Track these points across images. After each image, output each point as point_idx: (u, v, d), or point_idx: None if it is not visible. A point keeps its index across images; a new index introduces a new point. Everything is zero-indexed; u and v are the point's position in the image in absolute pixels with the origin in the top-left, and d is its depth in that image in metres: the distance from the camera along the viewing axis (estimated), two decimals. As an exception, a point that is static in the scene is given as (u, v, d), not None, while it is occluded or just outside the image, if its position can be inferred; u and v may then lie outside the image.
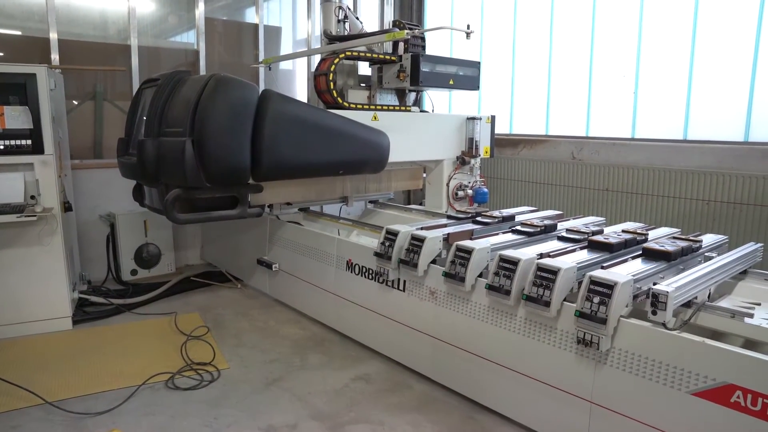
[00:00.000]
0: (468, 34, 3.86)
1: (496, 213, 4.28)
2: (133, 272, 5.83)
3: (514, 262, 3.10)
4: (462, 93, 7.22)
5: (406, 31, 3.79)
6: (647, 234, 3.68)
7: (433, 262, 3.66)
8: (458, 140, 4.94)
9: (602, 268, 3.00)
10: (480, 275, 3.36)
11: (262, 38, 6.95)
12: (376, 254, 3.86)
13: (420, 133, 4.71)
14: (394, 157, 4.48)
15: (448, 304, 3.52)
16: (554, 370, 2.97)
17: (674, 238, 3.58)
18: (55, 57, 5.52)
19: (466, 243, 3.41)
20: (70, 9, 5.73)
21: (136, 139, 4.05)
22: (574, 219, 4.48)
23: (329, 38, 4.64)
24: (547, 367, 3.01)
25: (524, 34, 6.94)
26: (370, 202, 5.95)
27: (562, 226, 4.05)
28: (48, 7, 5.49)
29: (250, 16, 7.22)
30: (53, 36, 5.53)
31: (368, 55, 4.47)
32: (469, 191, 4.91)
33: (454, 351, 3.49)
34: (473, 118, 4.85)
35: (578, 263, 3.04)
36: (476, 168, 5.00)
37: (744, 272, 3.55)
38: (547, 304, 2.88)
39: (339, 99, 4.25)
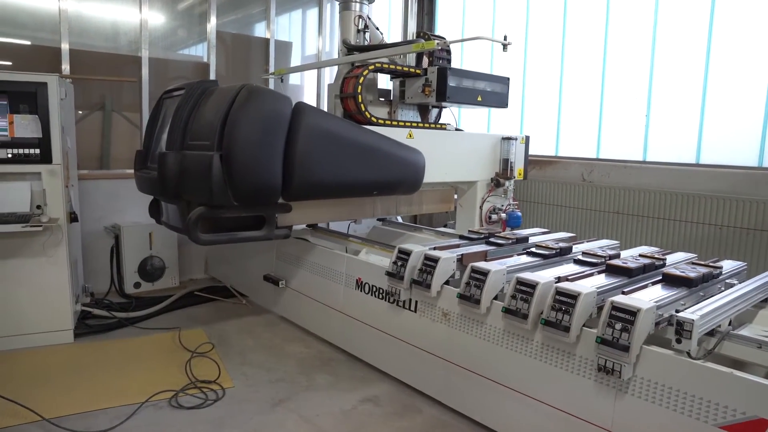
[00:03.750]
0: (505, 46, 3.69)
1: (509, 234, 4.20)
2: (137, 285, 5.75)
3: (532, 286, 3.03)
4: (471, 111, 7.21)
5: (435, 41, 3.65)
6: (665, 259, 3.60)
7: (447, 283, 3.58)
8: (492, 161, 4.74)
9: (623, 293, 2.91)
10: (495, 297, 3.28)
11: (273, 52, 6.94)
12: (388, 273, 3.78)
13: (454, 152, 4.49)
14: (428, 177, 4.26)
15: (462, 327, 3.43)
16: (572, 397, 2.87)
17: (693, 263, 3.50)
18: (65, 67, 5.49)
19: (482, 264, 3.34)
20: (82, 19, 5.72)
21: (156, 152, 3.96)
22: (588, 242, 4.40)
23: (349, 48, 4.47)
24: (564, 394, 2.91)
25: (535, 54, 6.93)
26: (378, 219, 5.87)
27: (576, 249, 3.98)
28: (61, 17, 5.48)
29: (260, 30, 7.22)
30: (65, 46, 5.51)
31: (395, 67, 4.29)
32: (503, 215, 4.77)
33: (467, 374, 3.39)
34: (508, 138, 4.72)
35: (598, 288, 2.96)
36: (510, 190, 4.86)
37: (764, 300, 3.46)
38: (567, 329, 2.80)
39: (373, 118, 4.05)
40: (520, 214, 4.81)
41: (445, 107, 4.68)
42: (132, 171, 5.95)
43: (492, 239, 4.11)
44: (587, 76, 6.49)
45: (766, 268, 4.46)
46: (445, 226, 5.70)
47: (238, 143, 3.19)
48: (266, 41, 7.02)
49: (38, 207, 4.33)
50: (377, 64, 4.07)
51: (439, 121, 4.63)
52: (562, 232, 4.72)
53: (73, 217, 4.57)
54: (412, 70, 4.20)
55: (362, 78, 3.93)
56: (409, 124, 4.25)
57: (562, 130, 6.81)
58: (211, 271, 6.42)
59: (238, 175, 3.24)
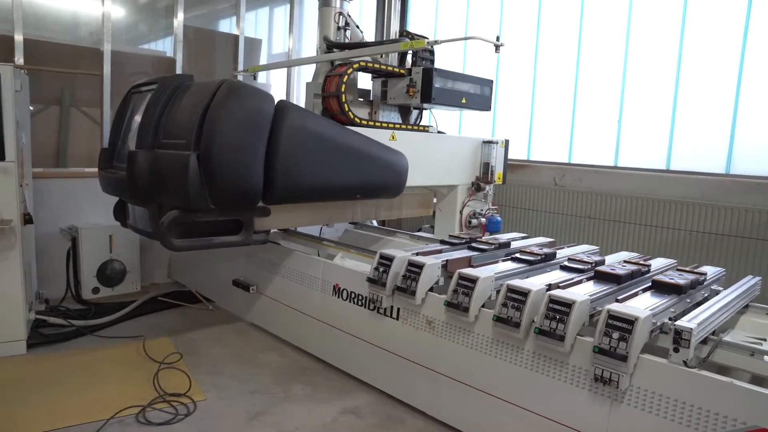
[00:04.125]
0: (497, 47, 3.58)
1: (491, 239, 4.13)
2: (95, 290, 5.41)
3: (524, 293, 2.95)
4: (443, 113, 7.14)
5: (425, 40, 3.50)
6: (650, 265, 3.60)
7: (431, 290, 3.47)
8: (473, 165, 4.65)
9: (616, 301, 2.87)
10: (482, 305, 3.18)
11: (242, 49, 6.70)
12: (369, 280, 3.64)
13: (436, 155, 4.37)
14: (409, 180, 4.11)
15: (448, 335, 3.33)
16: (565, 407, 2.80)
17: (679, 270, 3.50)
18: (19, 58, 5.13)
19: (470, 271, 3.24)
20: (38, 8, 5.36)
21: (124, 151, 3.69)
22: (568, 247, 4.38)
23: (330, 45, 4.28)
24: (556, 404, 2.84)
25: (508, 57, 6.92)
26: (351, 223, 5.72)
27: (561, 254, 3.94)
28: (14, 4, 5.11)
29: (225, 26, 6.96)
30: (18, 35, 5.14)
31: (379, 66, 4.14)
32: (483, 219, 4.69)
33: (453, 384, 3.29)
34: (489, 142, 4.64)
35: (590, 295, 2.90)
36: (490, 195, 4.77)
37: (745, 306, 3.49)
38: (561, 338, 2.73)
39: (357, 119, 3.88)
40: (500, 219, 4.75)
41: (425, 109, 4.56)
42: (91, 170, 5.67)
43: (474, 244, 4.03)
44: (560, 80, 6.52)
45: (739, 274, 4.54)
46: (419, 230, 5.60)
47: (218, 143, 2.97)
48: (234, 37, 6.78)
49: (-12, 208, 3.99)
50: (361, 63, 3.91)
51: (420, 123, 4.50)
52: (540, 237, 4.68)
53: (27, 219, 4.24)
54: (396, 70, 4.07)
55: (346, 77, 3.77)
56: (391, 125, 4.12)
57: (534, 134, 6.82)
58: (174, 275, 6.12)
59: (216, 177, 3.01)
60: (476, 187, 4.60)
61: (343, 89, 3.77)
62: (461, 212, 4.60)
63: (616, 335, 2.57)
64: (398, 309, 3.62)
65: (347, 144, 3.51)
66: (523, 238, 4.62)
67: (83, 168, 5.68)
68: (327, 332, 4.12)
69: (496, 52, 3.50)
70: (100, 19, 5.66)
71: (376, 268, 3.65)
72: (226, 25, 7.13)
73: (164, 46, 6.51)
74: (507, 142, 4.79)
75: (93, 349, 4.30)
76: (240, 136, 3.00)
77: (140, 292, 5.66)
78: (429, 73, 3.90)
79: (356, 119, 3.87)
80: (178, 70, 6.18)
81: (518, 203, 6.62)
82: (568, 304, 2.77)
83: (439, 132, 4.52)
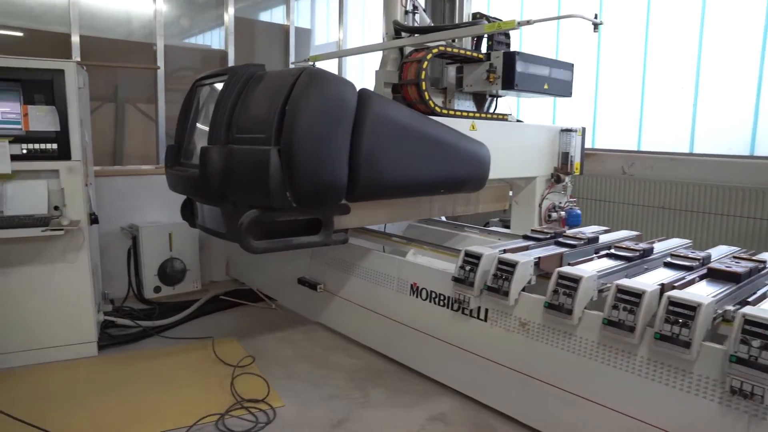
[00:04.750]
0: (596, 26, 3.28)
1: (577, 233, 3.86)
2: (157, 289, 5.34)
3: (637, 294, 2.69)
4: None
5: (516, 21, 3.23)
6: (765, 261, 3.29)
7: (522, 289, 3.24)
8: (551, 155, 4.38)
9: (747, 303, 2.59)
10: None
11: (293, 40, 6.52)
12: (456, 279, 3.43)
13: (515, 146, 4.10)
14: (490, 173, 3.84)
15: (545, 338, 3.09)
16: (687, 419, 2.55)
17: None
18: (75, 56, 5.05)
19: (572, 270, 2.99)
20: (93, 6, 5.28)
21: (191, 147, 3.55)
22: (659, 241, 4.07)
23: (402, 30, 4.01)
24: (676, 416, 2.59)
25: (569, 39, 6.57)
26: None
27: (656, 249, 3.65)
28: (70, 4, 5.02)
29: (266, 16, 6.78)
30: (74, 33, 5.05)
31: (459, 51, 3.83)
32: (562, 213, 4.42)
33: (550, 390, 3.06)
34: (568, 130, 4.36)
35: (713, 297, 2.63)
36: (569, 187, 4.48)
37: None
38: (687, 344, 2.47)
39: (437, 108, 3.64)
40: (579, 212, 4.47)
41: (502, 96, 4.27)
42: (148, 167, 5.60)
43: (561, 240, 3.77)
44: (626, 60, 6.14)
45: None
46: (486, 224, 5.34)
47: (301, 136, 2.77)
48: (283, 28, 6.60)
49: (56, 208, 3.91)
50: (440, 48, 3.67)
51: (496, 112, 4.22)
52: (624, 230, 4.38)
53: (93, 219, 4.15)
54: (475, 55, 3.81)
55: (426, 63, 3.54)
56: (469, 113, 3.87)
57: (598, 120, 6.48)
58: (233, 273, 6.02)
59: (300, 172, 2.81)
60: (556, 178, 4.32)
61: (423, 76, 3.54)
62: (540, 205, 4.33)
63: (756, 343, 2.30)
64: (486, 309, 3.40)
65: (431, 135, 3.28)
66: (605, 231, 4.34)
67: (140, 165, 5.60)
68: (403, 333, 3.93)
69: (594, 30, 3.21)
70: (150, 13, 5.54)
71: (462, 267, 3.43)
72: (267, 16, 6.96)
73: (210, 39, 6.38)
74: (584, 130, 4.49)
75: (163, 351, 4.21)
76: (324, 127, 2.81)
77: (201, 291, 5.58)
78: (511, 58, 3.63)
79: (437, 108, 3.63)
80: (231, 63, 6.04)
81: (584, 194, 6.29)
82: (693, 307, 2.50)
83: (517, 121, 4.26)
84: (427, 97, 3.55)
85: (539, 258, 3.34)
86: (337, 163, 2.88)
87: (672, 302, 2.57)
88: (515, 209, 4.54)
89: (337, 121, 2.84)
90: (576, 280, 2.93)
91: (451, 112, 3.73)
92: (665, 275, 3.05)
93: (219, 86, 3.35)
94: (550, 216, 4.34)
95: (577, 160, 4.41)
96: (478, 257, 3.38)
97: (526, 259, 3.25)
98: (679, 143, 5.88)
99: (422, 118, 3.33)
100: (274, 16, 6.91)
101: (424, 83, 3.52)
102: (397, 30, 3.99)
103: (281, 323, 4.87)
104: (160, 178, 5.53)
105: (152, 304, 5.14)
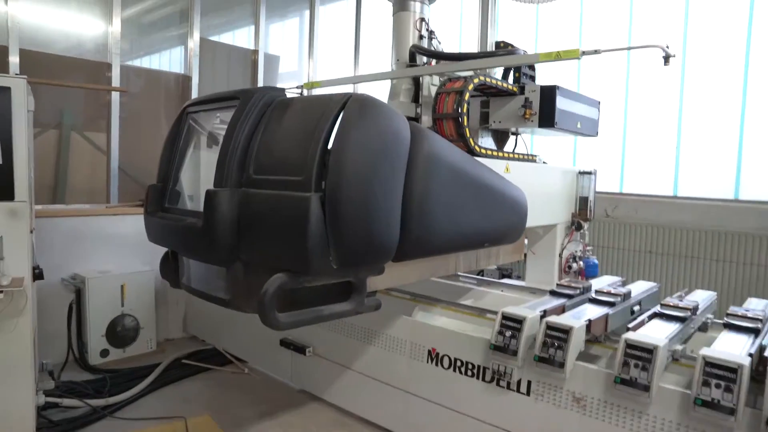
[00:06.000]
0: (667, 58, 2.91)
1: (611, 288, 3.52)
2: (104, 353, 4.49)
3: (732, 369, 2.33)
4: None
5: (579, 50, 2.82)
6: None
7: (574, 357, 2.82)
8: (569, 199, 4.03)
9: None
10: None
11: (262, 65, 5.97)
12: (496, 347, 2.95)
13: (543, 190, 3.71)
14: None
15: (607, 416, 2.67)
16: None
17: None
18: (14, 72, 4.26)
19: (642, 338, 2.60)
20: (34, 17, 4.52)
21: (179, 189, 2.90)
22: (687, 294, 3.80)
23: (428, 56, 3.54)
24: None
25: (545, 71, 6.42)
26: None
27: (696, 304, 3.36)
28: (8, 15, 4.25)
29: (227, 39, 6.21)
30: (13, 45, 4.27)
31: (496, 83, 3.42)
32: (581, 263, 4.06)
33: (615, 481, 2.62)
34: (587, 173, 4.03)
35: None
36: (586, 234, 4.13)
37: None
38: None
39: (476, 147, 3.18)
40: (596, 261, 4.15)
41: (518, 134, 3.89)
42: (95, 207, 4.77)
43: (596, 296, 3.41)
44: (609, 101, 6.04)
45: None
46: (480, 273, 4.89)
47: (353, 180, 2.20)
48: (249, 53, 6.04)
49: (-11, 261, 3.11)
50: (481, 78, 3.23)
51: (516, 151, 3.83)
52: (640, 282, 4.10)
53: (36, 274, 3.36)
54: (511, 87, 3.42)
55: (467, 94, 3.10)
56: (507, 155, 3.47)
57: (578, 161, 6.33)
58: (191, 330, 5.24)
59: (350, 227, 2.23)
60: (577, 225, 3.99)
61: (464, 109, 3.10)
62: (560, 255, 3.97)
63: None
64: (529, 382, 2.94)
65: (481, 179, 2.81)
66: (621, 282, 4.04)
67: (85, 204, 4.79)
68: (419, 407, 3.38)
69: (665, 64, 2.88)
70: (103, 28, 4.85)
71: (501, 332, 2.97)
72: (228, 38, 6.39)
73: (162, 61, 5.71)
74: (595, 172, 4.21)
75: (122, 438, 3.42)
76: (379, 170, 2.23)
77: (155, 352, 4.78)
78: (551, 92, 3.28)
79: (476, 147, 3.19)
80: (194, 90, 5.41)
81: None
82: (804, 387, 2.17)
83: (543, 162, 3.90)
84: (468, 134, 3.11)
85: (590, 321, 2.94)
86: (392, 215, 2.31)
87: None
88: (531, 260, 4.15)
89: (392, 162, 2.29)
90: (649, 350, 2.54)
91: (489, 152, 3.30)
92: (740, 340, 2.74)
93: (220, 114, 2.76)
94: (570, 267, 4.00)
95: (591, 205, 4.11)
96: (520, 321, 2.94)
97: (580, 323, 2.84)
98: (663, 186, 5.80)
99: (470, 159, 2.85)
100: (237, 39, 6.33)
101: (465, 117, 3.09)
102: (412, 56, 3.53)
103: (260, 392, 4.18)
104: (109, 220, 4.78)
105: (99, 372, 4.30)
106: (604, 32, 6.10)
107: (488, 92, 3.44)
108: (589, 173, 4.02)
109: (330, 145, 2.24)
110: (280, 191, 2.28)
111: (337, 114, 2.26)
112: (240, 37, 6.15)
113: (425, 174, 2.43)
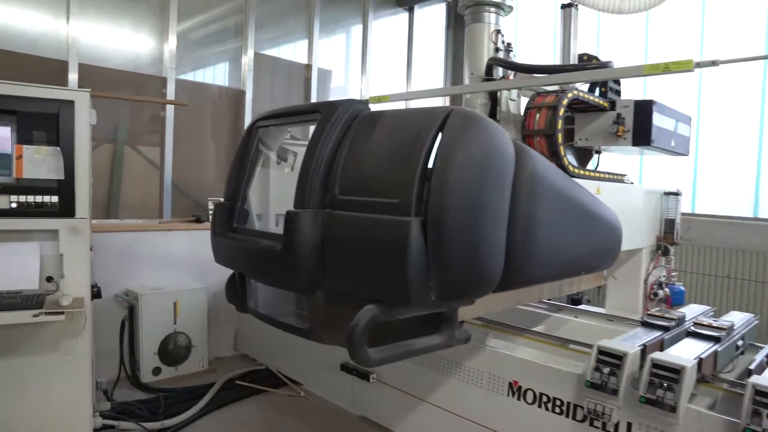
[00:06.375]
0: None
1: (710, 321, 3.20)
2: (156, 371, 4.34)
3: None
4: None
5: (693, 61, 2.49)
6: None
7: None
8: (654, 222, 3.73)
9: None
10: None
11: (315, 79, 5.83)
12: (593, 385, 2.67)
13: (630, 212, 3.39)
14: None
15: (726, 470, 2.35)
16: None
17: None
18: (73, 87, 4.19)
19: (770, 382, 2.29)
20: (92, 31, 4.47)
21: (248, 207, 2.71)
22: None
23: (512, 69, 3.32)
24: None
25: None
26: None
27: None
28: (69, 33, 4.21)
29: (282, 53, 6.10)
30: (73, 60, 4.21)
31: (596, 100, 3.18)
32: (667, 290, 3.75)
33: None
34: (672, 194, 3.73)
35: None
36: (672, 259, 3.83)
37: None
38: None
39: (570, 167, 2.93)
40: (683, 288, 3.82)
41: (599, 152, 3.60)
42: (149, 222, 4.64)
43: (695, 329, 3.10)
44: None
45: None
46: (575, 301, 4.57)
47: (461, 204, 1.96)
48: (301, 67, 5.89)
49: (49, 279, 2.98)
50: (575, 92, 2.97)
51: (602, 170, 3.55)
52: (735, 312, 3.75)
53: (95, 293, 3.22)
54: (602, 102, 3.16)
55: (562, 110, 2.85)
56: (598, 174, 3.20)
57: (645, 179, 5.98)
58: (242, 348, 5.06)
59: (456, 256, 1.98)
60: (663, 250, 3.68)
61: (559, 126, 2.85)
62: (645, 281, 3.66)
63: None
64: (629, 423, 2.64)
65: (580, 201, 2.54)
66: (711, 312, 3.71)
67: (137, 219, 4.68)
68: (498, 444, 3.11)
69: None
70: (159, 44, 4.77)
71: (597, 368, 2.68)
72: (274, 52, 6.28)
73: (223, 73, 5.61)
74: (681, 193, 3.88)
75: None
76: (487, 193, 1.98)
77: (207, 371, 4.61)
78: (646, 108, 2.99)
79: (570, 167, 2.94)
80: (248, 104, 5.28)
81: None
82: None
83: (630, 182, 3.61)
84: (562, 153, 2.86)
85: (700, 359, 2.63)
86: (499, 242, 2.07)
87: None
88: (612, 286, 3.84)
89: (500, 184, 2.03)
90: (784, 397, 2.22)
91: (582, 172, 3.03)
92: None
93: (293, 129, 2.57)
94: (655, 294, 3.68)
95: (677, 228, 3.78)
96: (620, 357, 2.65)
97: (691, 362, 2.54)
98: (743, 207, 5.41)
99: (571, 180, 2.57)
100: (282, 53, 6.21)
101: (560, 135, 2.84)
102: (489, 70, 3.30)
103: (319, 418, 3.96)
104: (161, 236, 4.66)
105: (151, 390, 4.15)
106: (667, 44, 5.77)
107: (576, 107, 3.18)
108: (676, 194, 3.70)
109: (430, 164, 2.01)
110: (373, 214, 2.05)
111: (438, 130, 2.03)
112: (285, 52, 6.03)
113: (529, 197, 2.17)
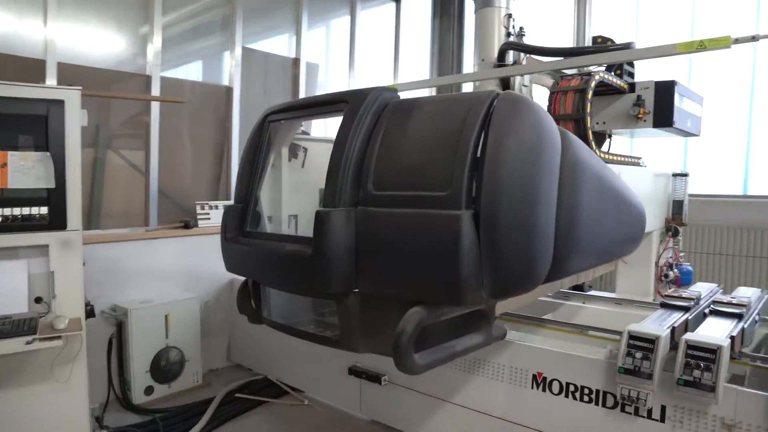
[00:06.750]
0: None
1: (725, 298, 3.19)
2: (148, 391, 4.09)
3: None
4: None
5: (732, 37, 2.41)
6: None
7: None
8: (664, 204, 3.71)
9: None
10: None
11: (303, 73, 5.64)
12: (626, 371, 2.60)
13: (646, 195, 3.31)
14: None
15: (769, 447, 2.31)
16: None
17: None
18: (51, 82, 3.93)
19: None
20: (73, 34, 4.20)
21: (260, 209, 2.52)
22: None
23: (528, 52, 3.19)
24: None
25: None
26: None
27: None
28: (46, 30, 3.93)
29: (272, 46, 5.89)
30: (51, 59, 3.93)
31: (618, 83, 3.12)
32: (676, 271, 3.72)
33: None
34: (680, 175, 3.69)
35: None
36: (680, 240, 3.79)
37: None
38: None
39: (597, 151, 2.83)
40: (691, 268, 3.81)
41: (612, 136, 3.53)
42: (134, 231, 4.35)
43: (716, 308, 3.08)
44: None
45: None
46: (576, 287, 4.52)
47: (516, 194, 1.83)
48: (289, 61, 5.68)
49: (38, 300, 2.75)
50: (601, 74, 2.87)
51: (610, 153, 3.50)
52: (744, 288, 3.76)
53: (88, 311, 3.00)
54: (623, 85, 3.07)
55: (590, 93, 2.76)
56: (619, 158, 3.14)
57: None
58: (236, 358, 4.85)
59: (511, 250, 1.85)
60: (673, 231, 3.65)
61: (588, 109, 2.75)
62: (656, 263, 3.63)
63: None
64: (663, 407, 2.59)
65: (615, 187, 2.44)
66: (719, 290, 3.71)
67: (123, 228, 4.42)
68: (524, 437, 3.02)
69: None
70: (142, 41, 4.53)
71: (629, 353, 2.62)
72: (260, 46, 6.06)
73: (201, 69, 5.35)
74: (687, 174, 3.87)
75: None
76: (540, 183, 1.89)
77: (201, 386, 4.39)
78: (669, 89, 2.92)
79: (597, 152, 2.84)
80: (236, 101, 5.07)
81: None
82: None
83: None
84: (590, 137, 2.77)
85: (732, 337, 2.60)
86: (550, 234, 1.94)
87: None
88: (622, 270, 3.80)
89: (551, 172, 1.88)
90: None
91: (608, 157, 2.95)
92: None
93: (312, 121, 2.41)
94: (666, 275, 3.65)
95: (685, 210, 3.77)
96: (652, 341, 2.59)
97: (726, 341, 2.50)
98: (732, 185, 5.46)
99: (606, 166, 2.47)
100: (261, 45, 5.99)
101: (589, 119, 2.75)
102: (501, 55, 3.17)
103: (328, 425, 3.81)
104: (148, 244, 4.40)
105: (145, 412, 3.90)
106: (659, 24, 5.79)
107: (602, 90, 3.10)
108: (684, 175, 3.69)
109: (479, 153, 1.88)
110: (416, 209, 1.90)
111: (486, 116, 1.89)
112: (263, 45, 5.82)
113: (572, 185, 2.06)
